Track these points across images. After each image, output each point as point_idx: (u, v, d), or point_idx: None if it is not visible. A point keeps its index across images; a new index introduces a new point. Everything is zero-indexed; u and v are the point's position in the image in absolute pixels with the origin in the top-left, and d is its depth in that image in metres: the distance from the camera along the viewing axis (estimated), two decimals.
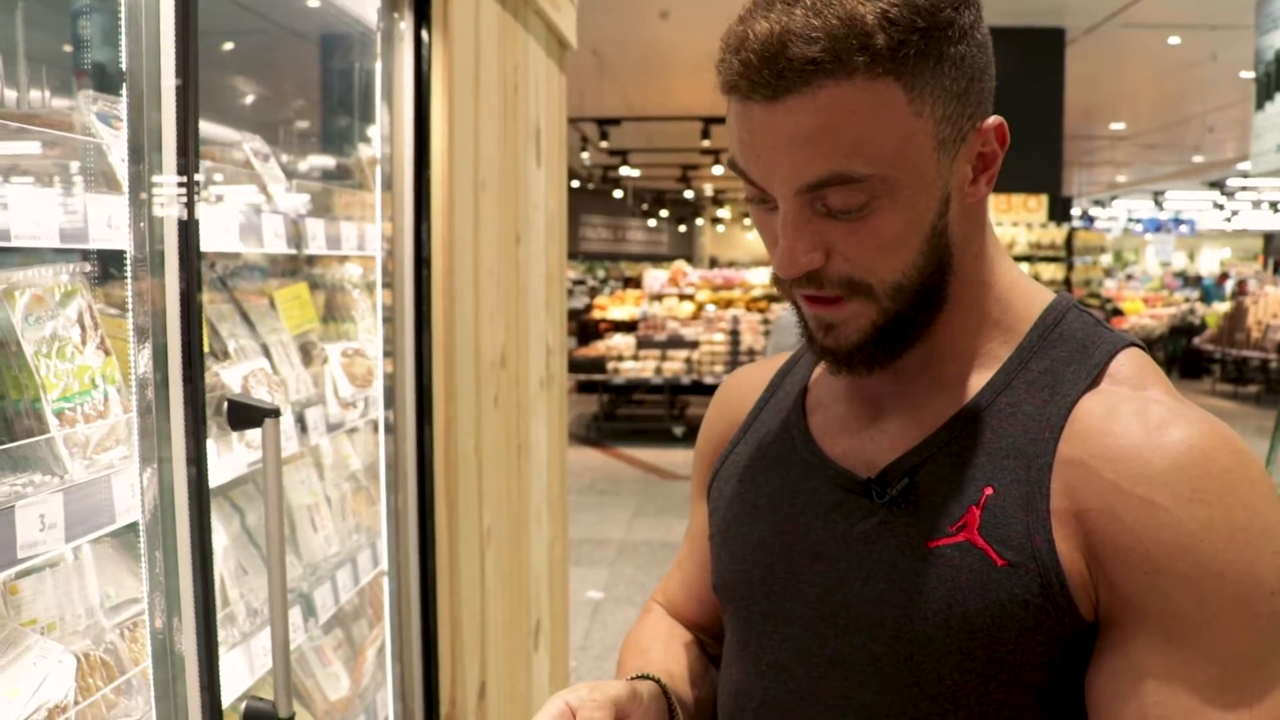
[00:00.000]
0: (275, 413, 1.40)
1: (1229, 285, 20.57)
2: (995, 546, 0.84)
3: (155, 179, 1.29)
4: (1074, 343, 0.91)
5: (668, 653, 1.13)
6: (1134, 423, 0.83)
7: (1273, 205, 27.18)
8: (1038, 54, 10.97)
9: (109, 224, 1.24)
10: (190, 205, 1.29)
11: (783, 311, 7.14)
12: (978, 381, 0.92)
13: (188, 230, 1.30)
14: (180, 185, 1.28)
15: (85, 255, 1.34)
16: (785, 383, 1.10)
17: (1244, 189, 24.42)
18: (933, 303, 0.90)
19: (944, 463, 0.89)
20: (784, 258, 0.85)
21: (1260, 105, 5.43)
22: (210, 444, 1.39)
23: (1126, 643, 0.80)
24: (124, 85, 1.28)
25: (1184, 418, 0.83)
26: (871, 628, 0.89)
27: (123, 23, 1.26)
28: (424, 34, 2.01)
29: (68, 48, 1.38)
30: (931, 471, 0.89)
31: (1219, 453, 0.80)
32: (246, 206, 1.77)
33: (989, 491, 0.86)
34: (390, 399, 2.10)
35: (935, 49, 0.81)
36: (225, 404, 1.44)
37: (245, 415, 1.41)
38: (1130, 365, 0.89)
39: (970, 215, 0.90)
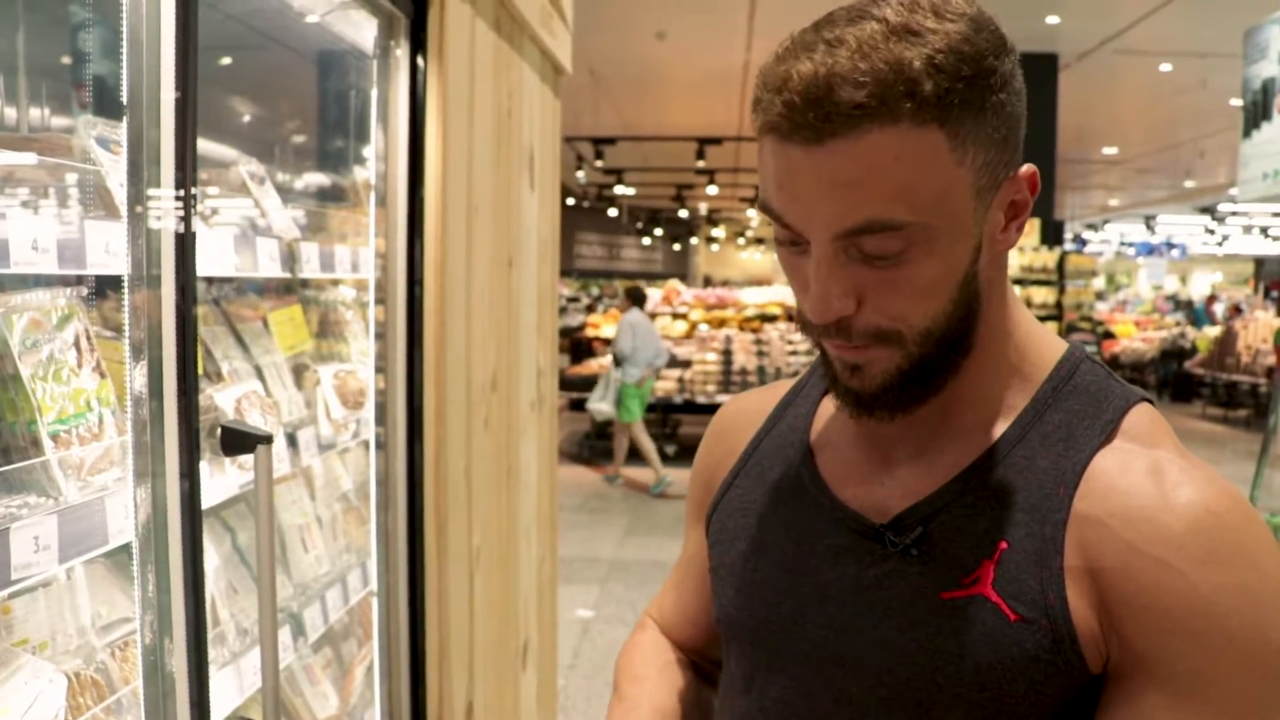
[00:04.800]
0: (268, 439, 1.42)
1: (1218, 309, 20.65)
2: (1009, 601, 0.85)
3: (153, 192, 1.30)
4: (1087, 396, 0.92)
5: (661, 680, 1.14)
6: (1148, 482, 0.85)
7: (1263, 230, 27.30)
8: (1031, 79, 10.64)
9: (107, 250, 1.26)
10: (187, 218, 1.31)
11: None
12: (993, 432, 0.92)
13: (184, 243, 1.31)
14: (178, 199, 1.30)
15: (82, 279, 1.35)
16: (787, 415, 1.10)
17: (1234, 214, 24.54)
18: (959, 349, 0.90)
19: (958, 513, 0.89)
20: (818, 303, 0.84)
21: (1247, 134, 5.49)
22: (203, 465, 1.40)
23: (1136, 696, 0.82)
24: (125, 115, 1.30)
25: (1196, 479, 0.85)
26: (880, 672, 0.89)
27: (124, 47, 1.28)
28: (419, 60, 2.03)
29: (66, 59, 1.40)
30: (945, 521, 0.90)
31: (1231, 515, 0.83)
32: (241, 229, 1.79)
33: (1004, 546, 0.86)
34: (382, 416, 2.12)
35: (979, 97, 0.80)
36: (219, 430, 1.45)
37: (238, 441, 1.43)
38: (1143, 422, 0.91)
39: (996, 262, 0.91)
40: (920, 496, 0.92)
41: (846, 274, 0.84)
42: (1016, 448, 0.90)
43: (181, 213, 1.30)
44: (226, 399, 1.64)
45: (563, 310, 19.40)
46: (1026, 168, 0.88)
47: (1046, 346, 0.96)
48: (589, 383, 10.42)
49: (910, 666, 0.88)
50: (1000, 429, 0.92)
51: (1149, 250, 29.44)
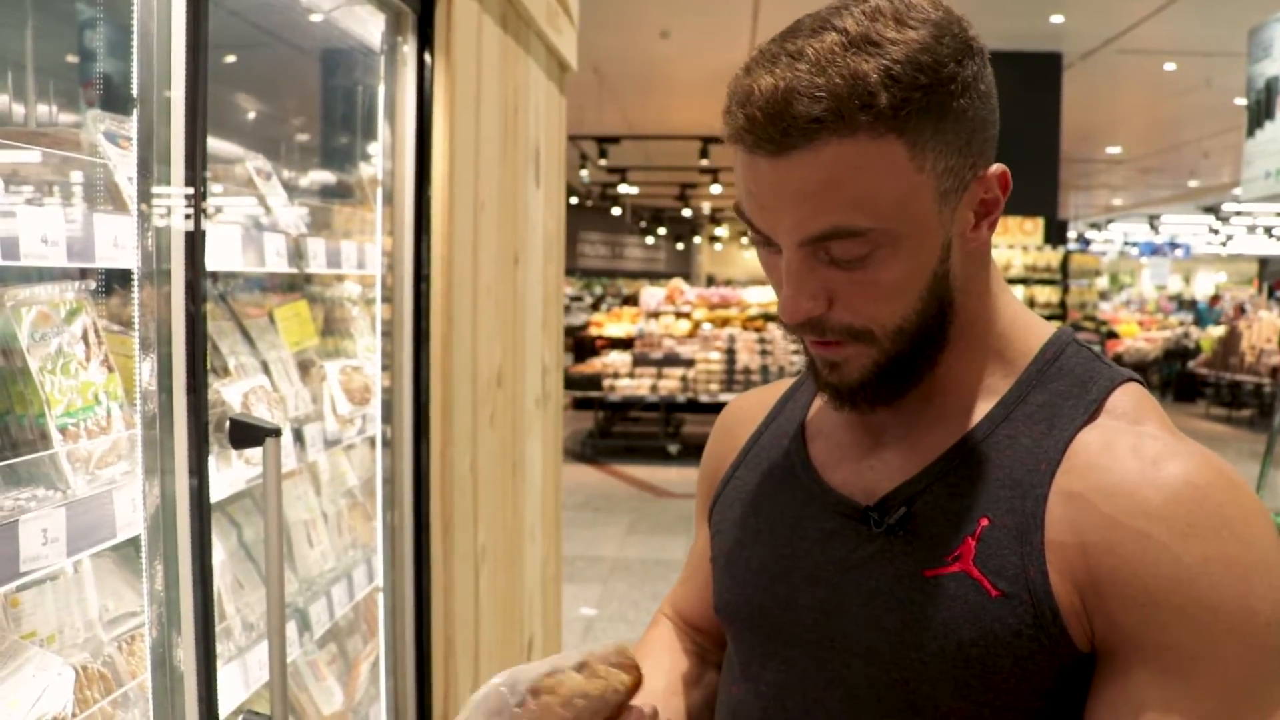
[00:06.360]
0: (276, 432, 1.42)
1: (1221, 308, 20.62)
2: (990, 577, 0.85)
3: (164, 189, 1.31)
4: (1073, 377, 0.93)
5: (675, 668, 1.17)
6: (1131, 457, 0.84)
7: (1267, 230, 27.28)
8: (1035, 78, 11.03)
9: (115, 244, 1.26)
10: (197, 216, 1.31)
11: None
12: (977, 414, 0.93)
13: (194, 241, 1.32)
14: (188, 196, 1.30)
15: (91, 273, 1.35)
16: (786, 409, 1.12)
17: (1239, 214, 24.53)
18: (934, 343, 0.92)
19: (941, 493, 0.90)
20: (788, 305, 0.87)
21: (1251, 133, 5.49)
22: (210, 460, 1.41)
23: (1124, 674, 0.82)
24: (135, 110, 1.30)
25: (1180, 453, 0.84)
26: (868, 653, 0.90)
27: (134, 43, 1.28)
28: (427, 57, 2.03)
29: (75, 56, 1.40)
30: (929, 501, 0.91)
31: (1214, 488, 0.82)
32: (248, 225, 1.79)
33: (985, 522, 0.87)
34: (388, 413, 2.12)
35: (938, 105, 0.82)
36: (227, 423, 1.45)
37: (247, 434, 1.43)
38: (1128, 400, 0.91)
39: (973, 257, 0.92)
40: (905, 478, 0.93)
41: (815, 276, 0.87)
42: (1000, 427, 0.91)
43: (191, 210, 1.31)
44: (233, 394, 1.64)
45: (566, 309, 19.40)
46: (996, 167, 0.89)
47: (1033, 333, 0.97)
48: (593, 381, 10.43)
49: (895, 645, 0.88)
50: (984, 411, 0.93)
51: (1153, 250, 29.44)
